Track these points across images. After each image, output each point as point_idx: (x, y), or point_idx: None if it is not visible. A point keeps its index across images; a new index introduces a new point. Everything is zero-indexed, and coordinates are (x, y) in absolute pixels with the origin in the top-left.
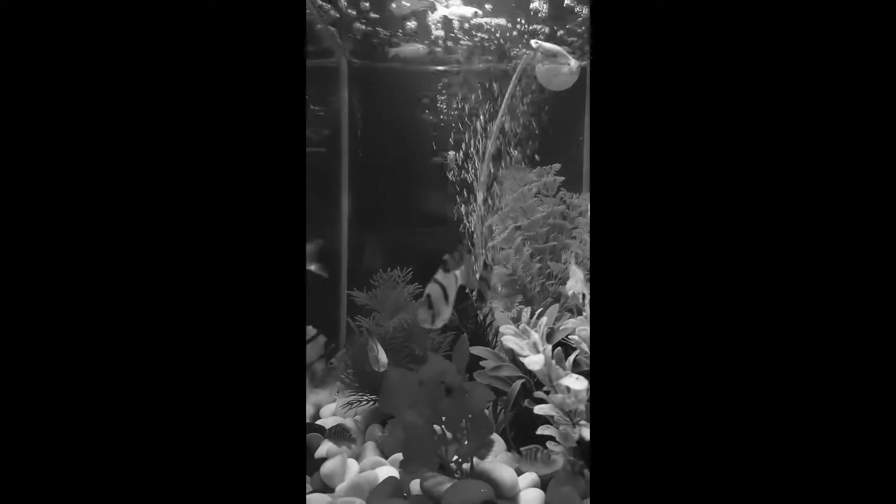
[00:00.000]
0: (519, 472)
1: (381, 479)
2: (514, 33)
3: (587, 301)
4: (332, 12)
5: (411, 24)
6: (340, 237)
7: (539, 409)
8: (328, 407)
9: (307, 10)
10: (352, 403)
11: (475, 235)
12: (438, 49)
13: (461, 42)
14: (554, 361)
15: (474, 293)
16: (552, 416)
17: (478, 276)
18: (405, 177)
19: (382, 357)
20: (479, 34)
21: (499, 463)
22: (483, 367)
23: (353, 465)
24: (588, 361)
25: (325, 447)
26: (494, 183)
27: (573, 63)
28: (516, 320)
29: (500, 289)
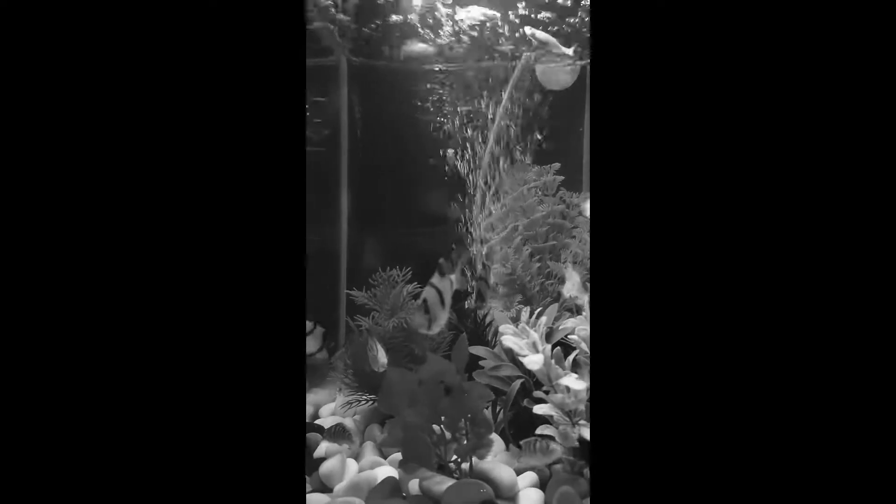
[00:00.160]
0: (519, 473)
1: (379, 479)
2: (517, 33)
3: (586, 304)
4: (333, 10)
5: (414, 19)
6: (340, 236)
7: (538, 409)
8: (327, 406)
9: (307, 10)
10: (351, 403)
11: (474, 234)
12: (447, 47)
13: (463, 37)
14: (553, 361)
15: (473, 293)
16: (552, 416)
17: (477, 275)
18: (405, 176)
19: (382, 357)
20: (481, 30)
21: (498, 463)
22: (482, 367)
23: (352, 464)
24: (588, 361)
25: (324, 447)
26: (494, 182)
27: (568, 51)
28: (515, 320)
29: (499, 288)
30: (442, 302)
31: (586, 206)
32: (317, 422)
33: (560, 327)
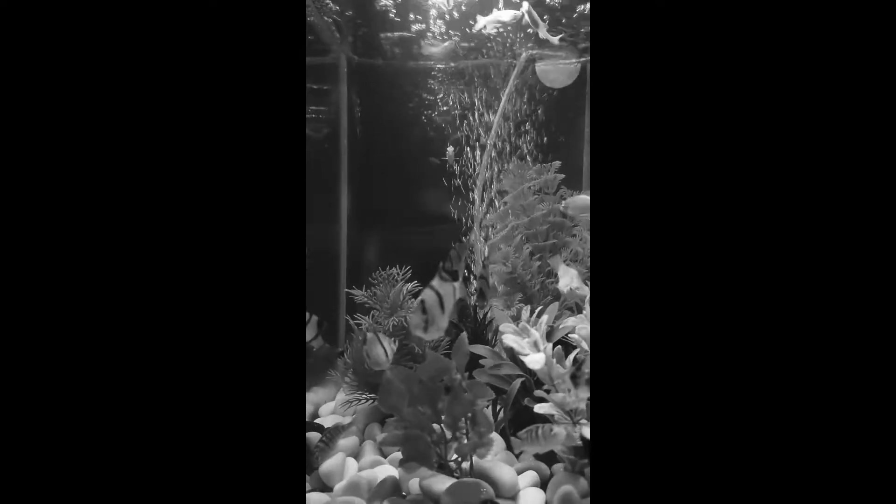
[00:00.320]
0: (519, 473)
1: (380, 479)
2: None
3: (587, 298)
4: (331, 5)
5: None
6: (340, 235)
7: (539, 408)
8: (327, 405)
9: (307, 8)
10: (350, 402)
11: (473, 234)
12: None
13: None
14: (554, 360)
15: (475, 292)
16: (552, 415)
17: (478, 274)
18: (405, 175)
19: (386, 352)
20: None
21: (498, 462)
22: (483, 366)
23: (352, 463)
24: (588, 376)
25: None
26: (494, 182)
27: (554, 39)
28: (516, 318)
29: (499, 287)
30: (441, 307)
31: (571, 202)
32: (316, 421)
33: (561, 326)
